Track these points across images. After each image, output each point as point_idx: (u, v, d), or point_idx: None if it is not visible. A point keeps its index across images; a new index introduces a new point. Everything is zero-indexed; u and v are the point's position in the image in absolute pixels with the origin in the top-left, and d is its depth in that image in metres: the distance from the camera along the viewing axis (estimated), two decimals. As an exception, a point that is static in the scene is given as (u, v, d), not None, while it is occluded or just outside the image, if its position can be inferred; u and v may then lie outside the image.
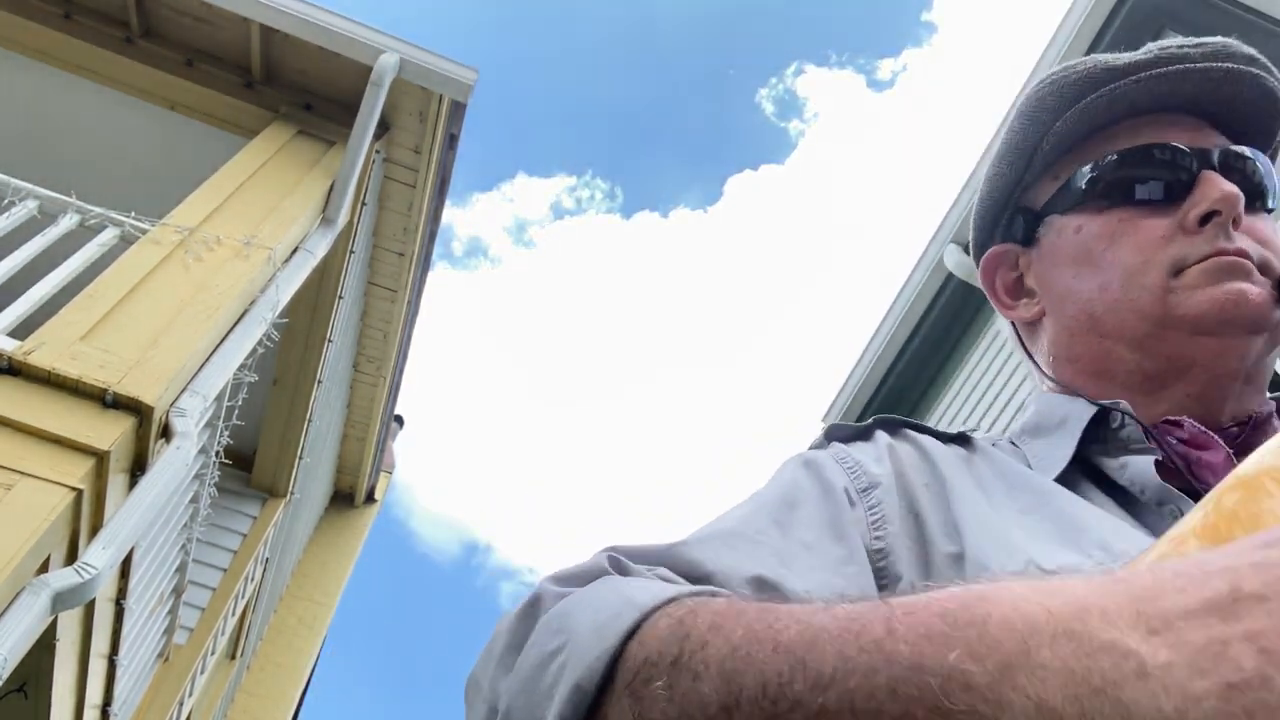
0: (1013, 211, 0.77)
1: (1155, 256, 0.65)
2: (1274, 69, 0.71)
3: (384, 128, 4.31)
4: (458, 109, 4.25)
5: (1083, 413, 0.65)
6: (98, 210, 3.45)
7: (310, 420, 5.04)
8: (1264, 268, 0.64)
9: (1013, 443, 0.69)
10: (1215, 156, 0.67)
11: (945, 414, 4.91)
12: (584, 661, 0.39)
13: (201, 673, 4.73)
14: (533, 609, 0.46)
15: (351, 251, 4.48)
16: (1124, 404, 0.63)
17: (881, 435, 0.67)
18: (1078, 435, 0.63)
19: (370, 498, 7.04)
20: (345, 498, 6.97)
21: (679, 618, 0.38)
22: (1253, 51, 0.70)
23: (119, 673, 3.39)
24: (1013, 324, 0.80)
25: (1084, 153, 0.72)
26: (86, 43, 4.21)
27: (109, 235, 3.41)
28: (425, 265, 5.15)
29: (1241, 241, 0.64)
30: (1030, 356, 0.77)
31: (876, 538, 0.56)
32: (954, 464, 0.62)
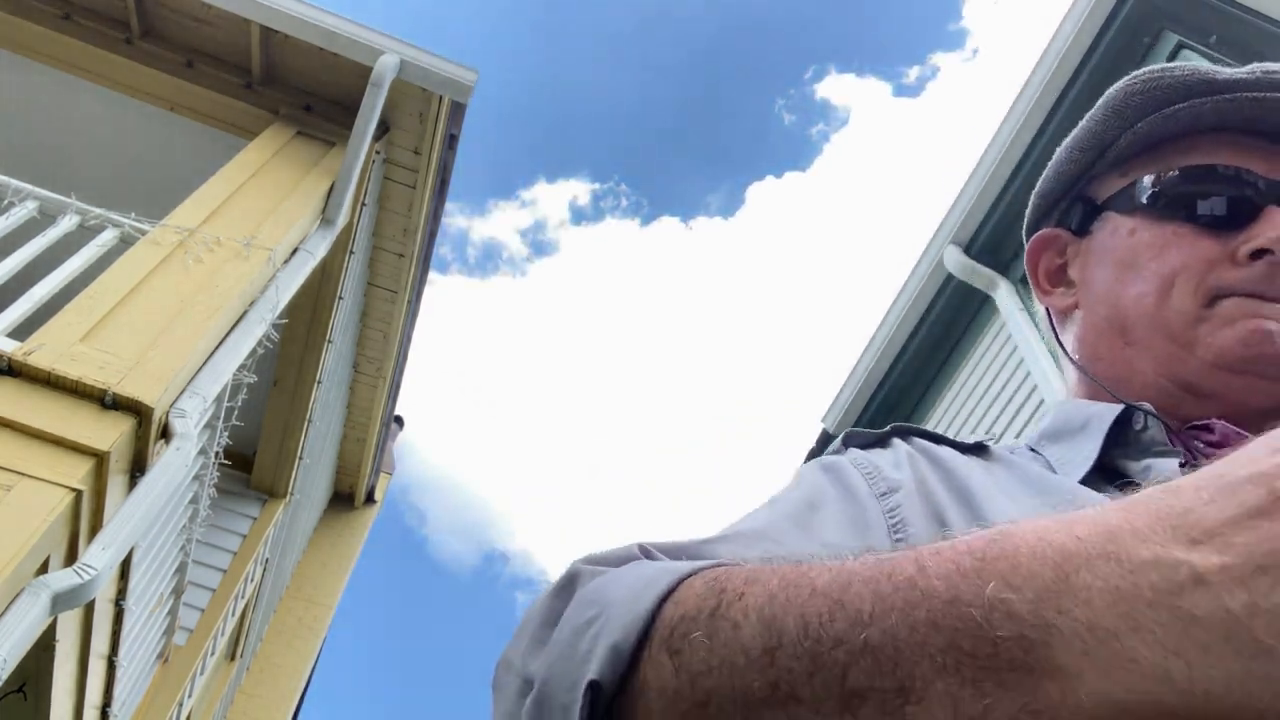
0: (1073, 199, 0.77)
1: (1197, 279, 0.64)
2: None
3: (384, 128, 4.31)
4: (458, 109, 4.26)
5: (1106, 414, 0.63)
6: (98, 211, 3.45)
7: (310, 421, 5.04)
8: None
9: (1032, 449, 0.68)
10: None
11: (946, 413, 4.91)
12: (620, 623, 0.39)
13: (201, 673, 4.73)
14: (568, 586, 0.46)
15: (351, 252, 4.48)
16: (1147, 405, 0.62)
17: (899, 443, 0.66)
18: (1101, 436, 0.62)
19: (370, 498, 7.04)
20: (345, 498, 6.97)
21: (713, 577, 0.39)
22: None
23: (118, 673, 3.38)
24: (1047, 310, 0.79)
25: (1157, 159, 0.70)
26: (86, 43, 4.21)
27: (109, 236, 3.41)
28: (425, 266, 5.15)
29: None
30: (1060, 344, 0.77)
31: (898, 540, 0.54)
32: (976, 472, 0.60)
